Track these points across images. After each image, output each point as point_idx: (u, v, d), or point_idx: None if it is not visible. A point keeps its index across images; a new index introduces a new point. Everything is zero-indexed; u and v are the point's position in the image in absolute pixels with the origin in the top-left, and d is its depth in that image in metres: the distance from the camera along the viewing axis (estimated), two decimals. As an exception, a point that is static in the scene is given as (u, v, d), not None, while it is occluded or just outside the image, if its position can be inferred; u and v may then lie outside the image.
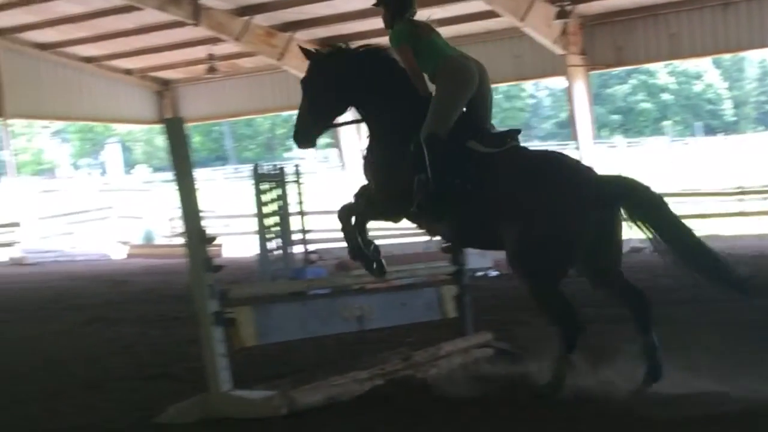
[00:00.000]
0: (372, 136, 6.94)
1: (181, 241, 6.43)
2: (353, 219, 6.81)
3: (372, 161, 6.81)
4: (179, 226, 26.76)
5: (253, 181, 14.84)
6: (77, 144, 69.04)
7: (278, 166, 15.41)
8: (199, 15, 26.39)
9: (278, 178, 14.98)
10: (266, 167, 15.35)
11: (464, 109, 6.59)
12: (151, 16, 26.88)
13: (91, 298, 14.69)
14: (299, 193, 15.50)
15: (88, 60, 31.51)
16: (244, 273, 14.85)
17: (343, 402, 5.97)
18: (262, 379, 6.45)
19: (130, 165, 65.28)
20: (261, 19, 27.22)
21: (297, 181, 15.51)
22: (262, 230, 14.92)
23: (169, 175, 6.47)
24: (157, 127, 39.30)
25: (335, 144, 31.97)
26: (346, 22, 26.43)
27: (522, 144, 6.62)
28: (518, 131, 6.68)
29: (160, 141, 57.38)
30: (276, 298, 6.98)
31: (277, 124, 66.24)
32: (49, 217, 33.86)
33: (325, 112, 6.96)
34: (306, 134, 6.94)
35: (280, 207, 14.86)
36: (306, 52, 7.01)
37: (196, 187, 5.90)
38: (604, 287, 6.39)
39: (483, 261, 13.91)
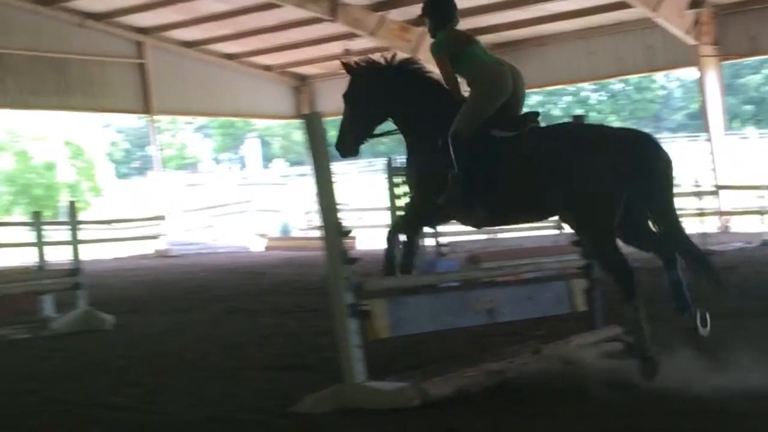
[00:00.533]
0: (408, 146, 7.34)
1: (318, 233, 6.50)
2: (400, 237, 7.53)
3: (410, 168, 7.32)
4: (316, 219, 27.01)
5: (386, 175, 14.86)
6: (218, 139, 70.47)
7: (411, 160, 15.38)
8: (336, 11, 26.68)
9: (411, 172, 14.95)
10: (399, 161, 15.35)
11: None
12: (290, 13, 27.33)
13: (231, 289, 14.97)
14: (431, 187, 15.45)
15: (230, 57, 32.20)
16: (377, 266, 14.90)
17: (474, 394, 5.94)
18: (395, 370, 6.47)
19: (268, 159, 66.30)
20: (395, 14, 27.36)
21: (429, 175, 15.47)
22: (395, 223, 14.95)
23: (306, 169, 6.62)
24: (295, 122, 39.82)
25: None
26: (480, 15, 26.37)
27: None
28: (537, 114, 7.04)
29: (298, 136, 58.22)
30: (409, 290, 6.97)
31: (410, 118, 66.40)
32: (191, 211, 34.65)
33: (365, 124, 7.45)
34: (348, 144, 7.46)
35: (412, 200, 14.84)
36: (346, 66, 7.63)
37: (333, 180, 5.93)
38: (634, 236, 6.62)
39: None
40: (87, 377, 7.72)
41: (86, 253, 12.60)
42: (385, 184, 14.81)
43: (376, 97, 7.33)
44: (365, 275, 6.85)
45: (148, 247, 29.23)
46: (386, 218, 16.33)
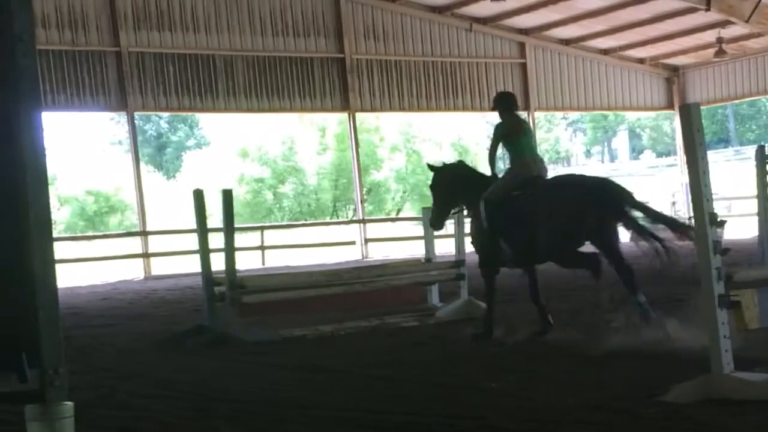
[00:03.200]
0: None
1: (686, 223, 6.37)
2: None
3: (472, 234, 9.81)
4: (685, 209, 25.98)
5: (756, 162, 14.15)
6: (590, 133, 70.10)
7: (783, 146, 14.55)
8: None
9: (783, 159, 14.14)
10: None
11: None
12: (664, 4, 26.86)
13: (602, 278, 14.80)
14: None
15: (605, 52, 32.02)
16: (743, 255, 14.22)
17: None
18: (762, 361, 6.21)
19: (637, 151, 65.13)
20: (770, -1, 26.13)
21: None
22: (764, 212, 14.21)
23: (675, 159, 6.51)
24: (665, 113, 38.91)
25: None
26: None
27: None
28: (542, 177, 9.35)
29: (667, 127, 56.72)
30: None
31: (783, 104, 62.84)
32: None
33: (444, 207, 10.10)
34: (436, 221, 10.23)
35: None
36: (429, 167, 10.28)
37: (707, 171, 5.77)
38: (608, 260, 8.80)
39: None
40: (465, 363, 7.97)
41: (467, 246, 12.91)
42: (755, 172, 14.14)
43: (448, 189, 9.89)
44: (732, 265, 6.63)
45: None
46: (754, 207, 15.53)
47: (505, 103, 9.76)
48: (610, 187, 8.78)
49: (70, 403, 2.85)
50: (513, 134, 9.44)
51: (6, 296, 2.98)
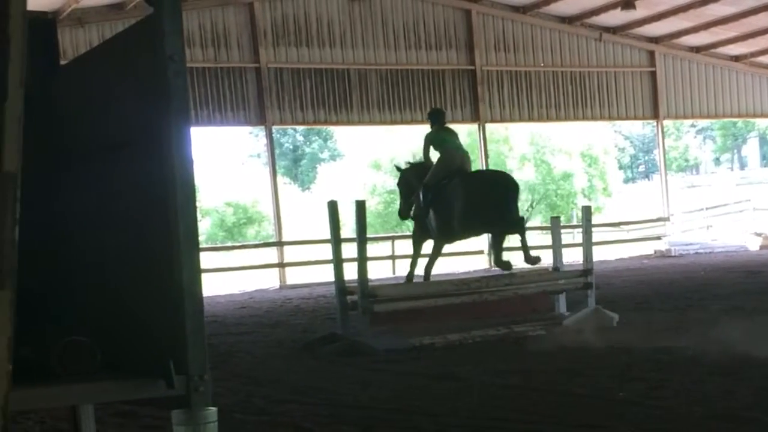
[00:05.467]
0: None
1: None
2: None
3: (414, 211, 12.54)
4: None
5: None
6: (719, 140, 68.30)
7: None
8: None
9: None
10: None
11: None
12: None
13: (729, 288, 14.47)
14: None
15: (736, 58, 31.19)
16: None
17: None
18: None
19: (768, 158, 63.15)
20: None
21: None
22: None
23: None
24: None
25: None
26: None
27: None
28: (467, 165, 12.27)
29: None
30: None
31: None
32: (691, 212, 33.92)
33: (408, 199, 12.71)
34: (402, 212, 13.14)
35: None
36: (396, 168, 13.28)
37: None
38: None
39: None
40: (592, 371, 7.87)
41: (595, 254, 12.81)
42: None
43: (409, 183, 12.68)
44: None
45: (648, 248, 29.03)
46: None
47: (435, 118, 12.81)
48: (507, 185, 11.70)
49: (214, 408, 2.95)
50: (438, 139, 12.33)
51: (156, 306, 3.10)
